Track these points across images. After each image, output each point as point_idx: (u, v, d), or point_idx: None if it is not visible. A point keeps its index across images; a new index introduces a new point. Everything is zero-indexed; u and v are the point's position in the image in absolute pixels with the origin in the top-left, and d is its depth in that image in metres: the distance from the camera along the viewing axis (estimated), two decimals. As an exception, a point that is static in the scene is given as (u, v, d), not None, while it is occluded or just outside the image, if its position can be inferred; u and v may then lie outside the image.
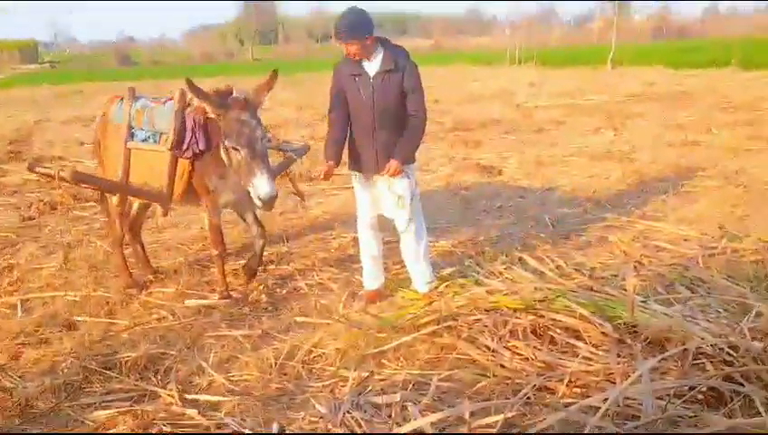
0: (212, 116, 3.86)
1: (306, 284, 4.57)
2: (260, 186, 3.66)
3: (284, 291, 4.50)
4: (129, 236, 4.79)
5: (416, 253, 4.22)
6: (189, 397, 3.21)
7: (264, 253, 4.57)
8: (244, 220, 4.45)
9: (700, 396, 2.98)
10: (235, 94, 3.82)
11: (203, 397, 3.22)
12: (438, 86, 18.13)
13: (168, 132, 4.05)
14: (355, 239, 5.35)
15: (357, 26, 3.80)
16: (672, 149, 8.94)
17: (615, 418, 2.82)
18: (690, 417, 2.85)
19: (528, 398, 2.98)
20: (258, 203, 3.76)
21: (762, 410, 2.85)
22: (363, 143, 4.00)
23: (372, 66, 3.90)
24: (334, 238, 5.53)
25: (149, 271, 4.85)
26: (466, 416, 2.73)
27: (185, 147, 4.02)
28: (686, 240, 5.09)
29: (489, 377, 3.28)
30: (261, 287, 4.48)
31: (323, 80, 13.48)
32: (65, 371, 3.48)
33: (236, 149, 3.71)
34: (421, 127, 3.98)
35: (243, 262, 4.93)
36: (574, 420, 2.69)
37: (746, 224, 5.45)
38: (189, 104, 4.07)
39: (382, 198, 4.11)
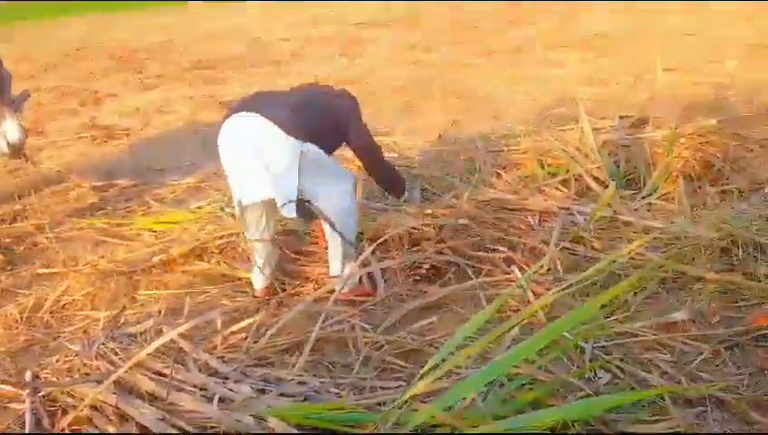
0: None
1: (46, 238, 4.37)
2: (11, 130, 3.66)
3: (22, 247, 4.28)
4: None
5: None
6: (-76, 366, 3.04)
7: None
8: None
9: (424, 273, 3.48)
10: None
11: (-59, 363, 3.06)
12: (175, 26, 17.45)
13: None
14: (95, 187, 5.24)
15: None
16: (401, 69, 9.61)
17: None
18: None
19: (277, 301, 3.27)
20: (5, 149, 3.70)
21: (472, 275, 3.42)
22: None
23: None
24: (71, 190, 5.30)
25: None
26: (218, 324, 2.93)
27: None
28: (410, 148, 5.64)
29: (247, 292, 3.51)
30: (-6, 248, 4.22)
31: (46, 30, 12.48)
32: None
33: None
34: None
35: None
36: (314, 310, 3.01)
37: (461, 129, 6.17)
38: None
39: None
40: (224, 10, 24.74)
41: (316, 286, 3.50)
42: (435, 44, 11.40)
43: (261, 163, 3.10)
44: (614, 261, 3.38)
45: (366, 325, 3.03)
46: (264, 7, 22.10)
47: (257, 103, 3.25)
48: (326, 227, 3.26)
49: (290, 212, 3.10)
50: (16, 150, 3.67)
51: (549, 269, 3.38)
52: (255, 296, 3.46)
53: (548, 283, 3.30)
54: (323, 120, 3.29)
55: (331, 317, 3.04)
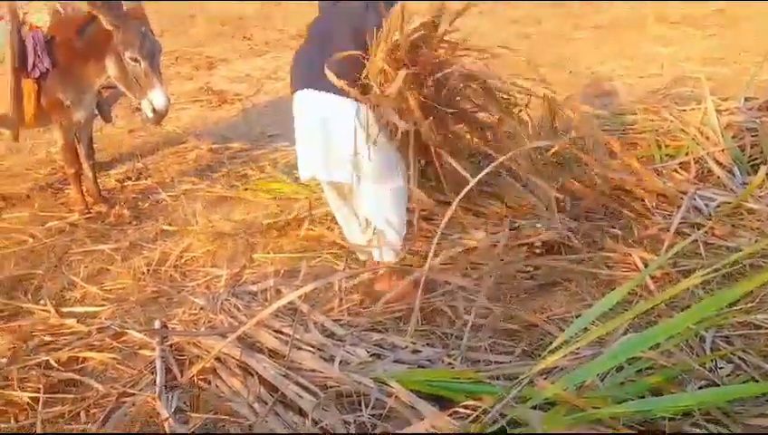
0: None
1: (168, 196, 4.59)
2: (158, 97, 3.79)
3: (146, 204, 4.52)
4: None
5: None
6: (65, 310, 3.27)
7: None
8: (79, 141, 4.33)
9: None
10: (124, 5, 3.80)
11: (79, 309, 3.29)
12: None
13: (5, 53, 3.88)
14: (213, 150, 5.45)
15: None
16: (507, 42, 9.42)
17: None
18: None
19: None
20: (150, 115, 3.87)
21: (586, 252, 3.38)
22: None
23: None
24: (190, 151, 5.52)
25: (-5, 199, 4.68)
26: (336, 286, 3.01)
27: (30, 67, 3.90)
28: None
29: (359, 260, 3.58)
30: (122, 203, 4.47)
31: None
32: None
33: (137, 61, 3.74)
34: None
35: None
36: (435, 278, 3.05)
37: (573, 104, 6.00)
38: (24, 22, 3.94)
39: None
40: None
41: (421, 259, 3.52)
42: (540, 17, 11.11)
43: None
44: (739, 250, 3.27)
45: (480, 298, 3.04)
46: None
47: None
48: None
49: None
50: (160, 118, 3.87)
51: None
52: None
53: (667, 267, 3.22)
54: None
55: (442, 288, 3.07)
